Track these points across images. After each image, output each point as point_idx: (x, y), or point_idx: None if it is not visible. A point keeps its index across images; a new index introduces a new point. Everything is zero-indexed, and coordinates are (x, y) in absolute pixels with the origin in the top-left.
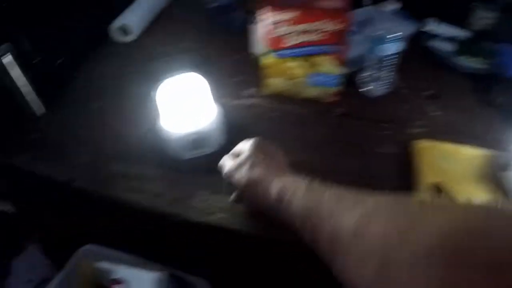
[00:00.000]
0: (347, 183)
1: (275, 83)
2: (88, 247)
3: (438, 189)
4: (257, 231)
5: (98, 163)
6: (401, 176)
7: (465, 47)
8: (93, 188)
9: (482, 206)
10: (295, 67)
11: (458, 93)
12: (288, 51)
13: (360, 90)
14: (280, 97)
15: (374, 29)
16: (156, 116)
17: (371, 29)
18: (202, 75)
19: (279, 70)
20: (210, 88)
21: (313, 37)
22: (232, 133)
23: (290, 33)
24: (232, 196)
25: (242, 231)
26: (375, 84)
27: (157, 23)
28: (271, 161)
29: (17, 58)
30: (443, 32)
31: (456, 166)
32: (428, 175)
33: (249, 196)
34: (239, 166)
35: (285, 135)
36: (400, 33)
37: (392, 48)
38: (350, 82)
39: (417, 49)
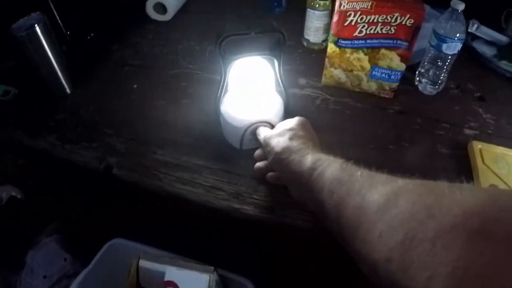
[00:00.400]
0: None
1: (335, 73)
2: (116, 241)
3: None
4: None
5: (139, 149)
6: (460, 176)
7: (504, 51)
8: (135, 176)
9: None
10: (359, 59)
11: (502, 97)
12: (355, 42)
13: (414, 86)
14: (338, 89)
15: (439, 26)
16: (215, 102)
17: (435, 26)
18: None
19: (342, 61)
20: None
21: (383, 29)
22: None
23: (360, 23)
24: (257, 153)
25: (308, 229)
26: (429, 82)
27: (194, 3)
28: (310, 139)
29: (46, 29)
30: (483, 35)
31: (508, 169)
32: (485, 176)
33: (280, 163)
34: (278, 135)
35: (342, 128)
36: (461, 34)
37: (452, 48)
38: (405, 77)
39: (463, 49)
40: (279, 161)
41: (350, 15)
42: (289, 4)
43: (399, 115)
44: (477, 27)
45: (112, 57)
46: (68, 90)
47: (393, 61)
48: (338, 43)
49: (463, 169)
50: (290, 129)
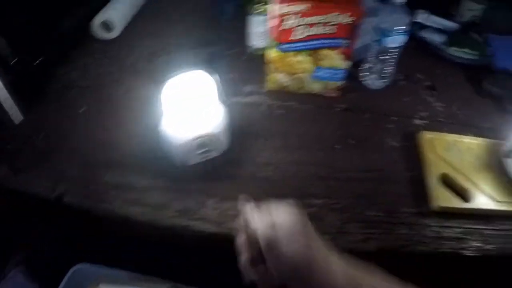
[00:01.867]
0: (360, 180)
1: (278, 78)
2: (80, 266)
3: (446, 179)
4: None
5: (89, 174)
6: (410, 168)
7: (454, 38)
8: (86, 203)
9: None
10: (301, 61)
11: (453, 84)
12: (295, 45)
13: (361, 82)
14: (282, 93)
15: (380, 21)
16: (157, 119)
17: (377, 20)
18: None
19: (284, 65)
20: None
21: (322, 30)
22: (236, 133)
23: (298, 26)
24: (240, 242)
25: None
26: (376, 77)
27: (140, 19)
28: (318, 238)
29: None
30: (433, 24)
31: (460, 156)
32: (435, 166)
33: (298, 279)
34: (288, 241)
35: (290, 132)
36: (405, 26)
37: (397, 40)
38: (350, 74)
39: (410, 40)
40: (297, 277)
41: (288, 18)
42: (237, 12)
43: (345, 113)
44: (427, 17)
45: (61, 80)
46: (18, 119)
47: (336, 60)
48: (279, 48)
49: (412, 160)
50: (303, 233)
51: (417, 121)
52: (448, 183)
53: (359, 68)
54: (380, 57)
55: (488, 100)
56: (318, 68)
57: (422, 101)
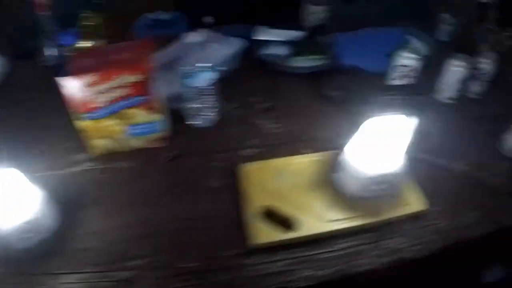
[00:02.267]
0: (181, 231)
1: (100, 143)
2: None
3: (268, 211)
4: None
5: None
6: (233, 207)
7: (299, 47)
8: None
9: None
10: (112, 124)
11: (293, 98)
12: (99, 112)
13: (189, 125)
14: (111, 156)
15: (187, 63)
16: None
17: (184, 64)
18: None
19: (98, 131)
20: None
21: (119, 93)
22: (68, 207)
23: (95, 94)
24: None
25: None
26: (202, 116)
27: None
28: None
29: None
30: (275, 37)
31: (290, 180)
32: (257, 199)
33: None
34: None
35: (122, 193)
36: (214, 61)
37: (204, 77)
38: (178, 120)
39: (251, 61)
40: None
41: (81, 91)
42: None
43: (172, 161)
44: (267, 31)
45: None
46: None
47: (145, 116)
48: (87, 117)
49: (235, 199)
50: None
51: (246, 152)
52: (271, 214)
53: (184, 112)
54: (197, 97)
55: (331, 107)
56: (132, 126)
57: (255, 127)
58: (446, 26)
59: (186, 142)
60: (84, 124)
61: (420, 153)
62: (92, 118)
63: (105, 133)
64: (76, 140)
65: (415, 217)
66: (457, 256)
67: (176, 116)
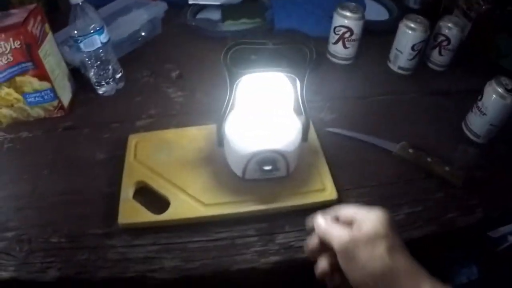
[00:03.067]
0: (57, 204)
1: (4, 113)
2: None
3: (143, 188)
4: None
5: None
6: (112, 182)
7: (228, 11)
8: None
9: None
10: (8, 93)
11: (212, 65)
12: None
13: (93, 95)
14: (16, 125)
15: (72, 28)
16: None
17: (68, 30)
18: None
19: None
20: None
21: (2, 60)
22: None
23: None
24: (313, 244)
25: None
26: (104, 85)
27: None
28: (405, 248)
29: None
30: (210, 2)
31: (176, 154)
32: (135, 174)
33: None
34: (367, 245)
35: (15, 165)
36: (95, 24)
37: (93, 42)
38: (83, 89)
39: (182, 27)
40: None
41: None
42: None
43: (65, 132)
44: None
45: None
46: None
47: (34, 84)
48: None
49: (116, 173)
50: (385, 237)
51: (141, 122)
52: (146, 192)
53: (89, 79)
54: (95, 63)
55: None
56: (26, 94)
57: (162, 96)
58: None
59: (84, 112)
60: None
61: (337, 129)
62: None
63: (5, 101)
64: None
65: (320, 208)
66: None
67: (82, 85)
